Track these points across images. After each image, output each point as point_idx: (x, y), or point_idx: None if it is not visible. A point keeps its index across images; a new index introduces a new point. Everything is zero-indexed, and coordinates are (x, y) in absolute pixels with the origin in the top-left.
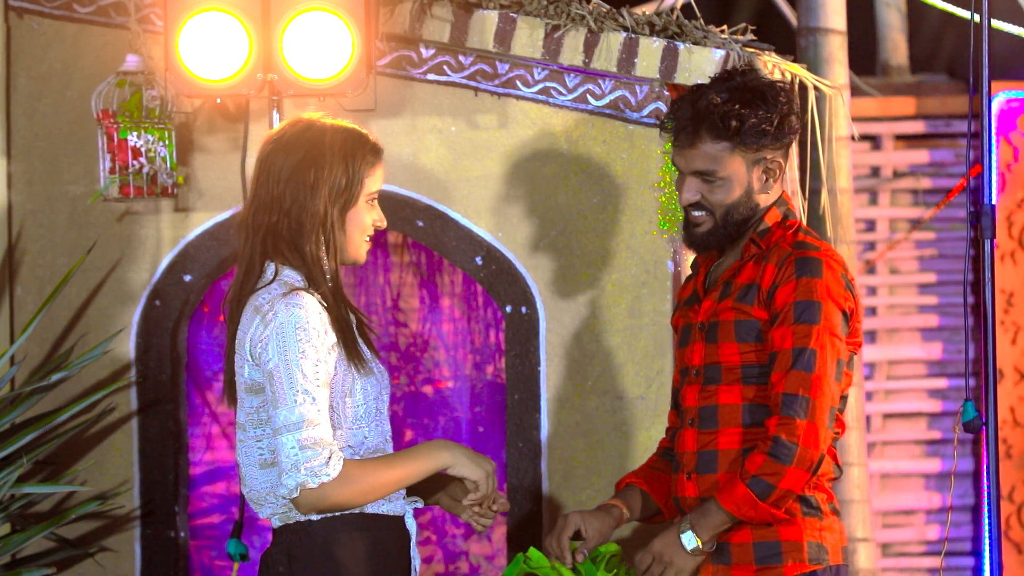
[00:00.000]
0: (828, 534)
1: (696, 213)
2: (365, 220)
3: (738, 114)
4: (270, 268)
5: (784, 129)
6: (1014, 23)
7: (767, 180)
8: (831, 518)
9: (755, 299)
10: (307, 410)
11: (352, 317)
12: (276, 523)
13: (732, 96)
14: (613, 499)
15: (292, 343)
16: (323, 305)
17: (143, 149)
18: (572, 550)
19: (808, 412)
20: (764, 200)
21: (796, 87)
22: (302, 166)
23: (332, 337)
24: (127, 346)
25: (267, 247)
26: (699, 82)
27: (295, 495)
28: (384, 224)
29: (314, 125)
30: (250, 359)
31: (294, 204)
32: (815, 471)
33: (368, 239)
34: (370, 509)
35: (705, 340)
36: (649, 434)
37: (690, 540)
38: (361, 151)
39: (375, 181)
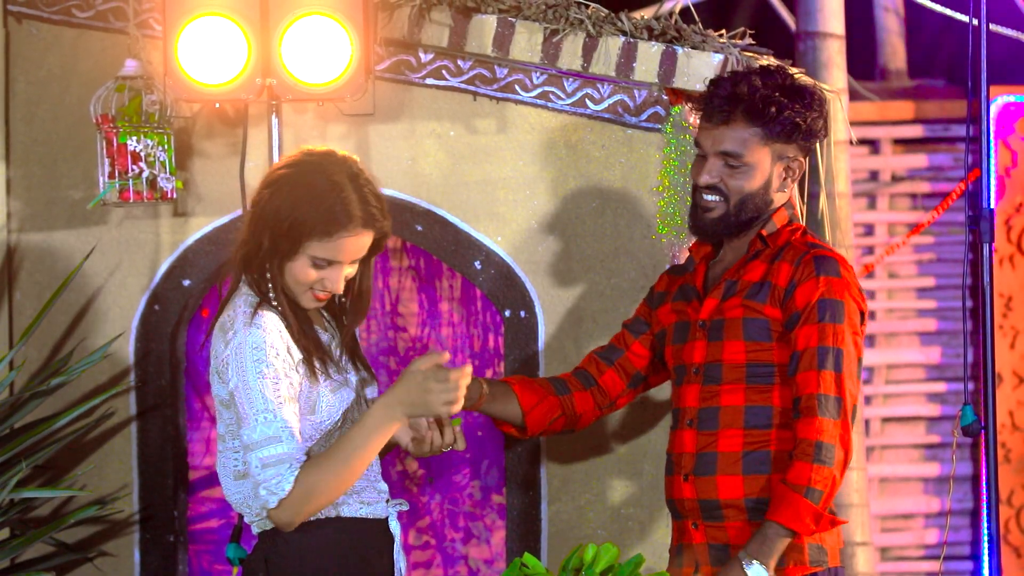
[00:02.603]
0: (827, 536)
1: (709, 197)
2: (302, 276)
3: (779, 102)
4: (241, 284)
5: (813, 130)
6: (1012, 27)
7: (785, 178)
8: None
9: (768, 297)
10: (267, 428)
11: (325, 335)
12: (255, 529)
13: (775, 86)
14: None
15: (249, 364)
16: (285, 323)
17: (142, 154)
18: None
19: (840, 412)
20: (779, 199)
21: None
22: (266, 189)
23: (298, 354)
24: (126, 351)
25: (239, 264)
26: (705, 81)
27: (263, 515)
28: (339, 290)
29: (312, 160)
30: (217, 376)
31: (248, 228)
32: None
33: (313, 293)
34: (346, 513)
35: (708, 338)
36: (648, 437)
37: (759, 572)
38: (316, 215)
39: (329, 249)
